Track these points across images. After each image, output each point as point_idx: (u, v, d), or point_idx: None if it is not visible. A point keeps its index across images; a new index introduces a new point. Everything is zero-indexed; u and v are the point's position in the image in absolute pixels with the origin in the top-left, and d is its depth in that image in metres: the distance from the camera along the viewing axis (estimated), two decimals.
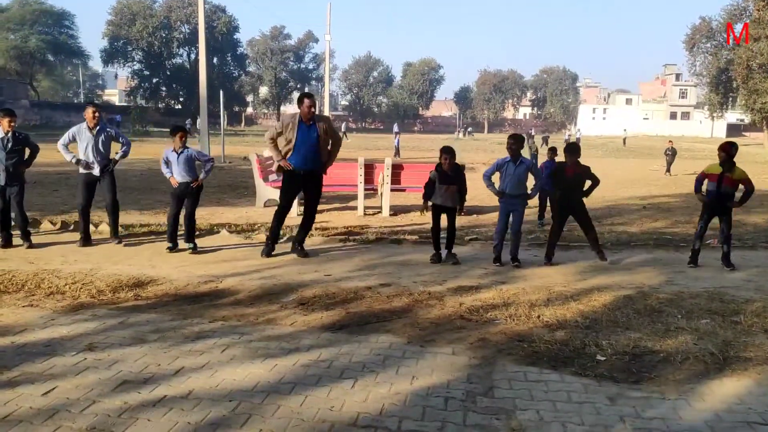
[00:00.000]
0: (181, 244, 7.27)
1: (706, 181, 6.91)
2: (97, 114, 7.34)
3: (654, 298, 5.42)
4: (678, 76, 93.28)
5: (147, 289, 5.52)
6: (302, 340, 4.28)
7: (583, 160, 7.25)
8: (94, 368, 3.73)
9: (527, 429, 3.07)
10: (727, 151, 6.61)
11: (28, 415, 3.10)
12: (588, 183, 7.16)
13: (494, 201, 13.01)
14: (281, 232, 7.46)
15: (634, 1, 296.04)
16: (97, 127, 7.34)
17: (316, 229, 8.73)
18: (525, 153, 7.97)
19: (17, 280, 5.66)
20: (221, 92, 26.04)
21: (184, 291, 5.50)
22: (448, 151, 6.84)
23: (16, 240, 7.28)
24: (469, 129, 75.69)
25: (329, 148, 7.02)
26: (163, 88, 70.17)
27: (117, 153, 7.60)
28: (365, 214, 10.73)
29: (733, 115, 77.35)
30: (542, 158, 14.24)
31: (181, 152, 7.10)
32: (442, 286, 5.79)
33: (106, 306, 5.02)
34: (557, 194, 7.03)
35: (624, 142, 50.77)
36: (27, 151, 7.33)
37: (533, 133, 55.55)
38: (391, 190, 10.85)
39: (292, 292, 5.50)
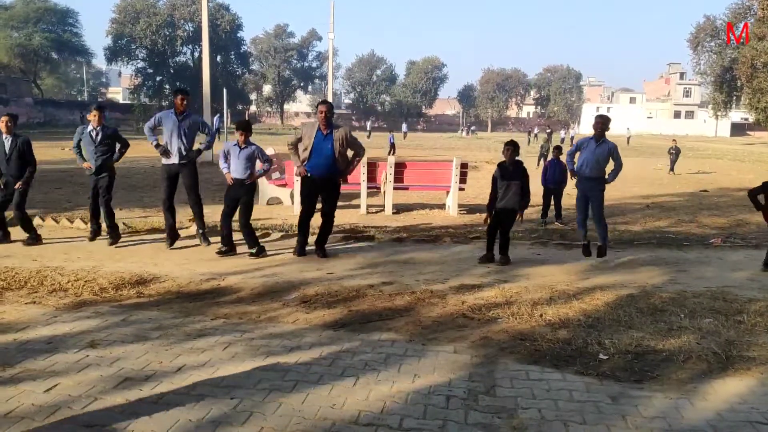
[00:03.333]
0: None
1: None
2: (185, 102, 7.24)
3: (657, 297, 5.41)
4: (682, 75, 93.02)
5: (149, 287, 5.53)
6: (304, 338, 4.28)
7: None
8: (96, 365, 3.74)
9: (529, 428, 3.07)
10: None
11: (29, 412, 3.11)
12: None
13: None
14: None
15: (638, 0, 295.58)
16: (184, 114, 7.27)
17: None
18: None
19: (20, 277, 5.68)
20: (225, 90, 26.13)
21: (187, 288, 5.51)
22: (510, 143, 6.66)
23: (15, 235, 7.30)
24: (473, 127, 75.52)
25: (349, 157, 6.96)
26: (167, 86, 70.11)
27: (201, 144, 7.52)
28: (368, 213, 10.73)
29: (737, 114, 77.11)
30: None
31: (244, 148, 6.97)
32: (444, 284, 5.79)
33: (108, 303, 5.03)
34: None
35: (628, 141, 50.57)
36: (117, 146, 7.43)
37: (536, 132, 55.51)
38: (394, 188, 10.86)
39: (295, 290, 5.50)
